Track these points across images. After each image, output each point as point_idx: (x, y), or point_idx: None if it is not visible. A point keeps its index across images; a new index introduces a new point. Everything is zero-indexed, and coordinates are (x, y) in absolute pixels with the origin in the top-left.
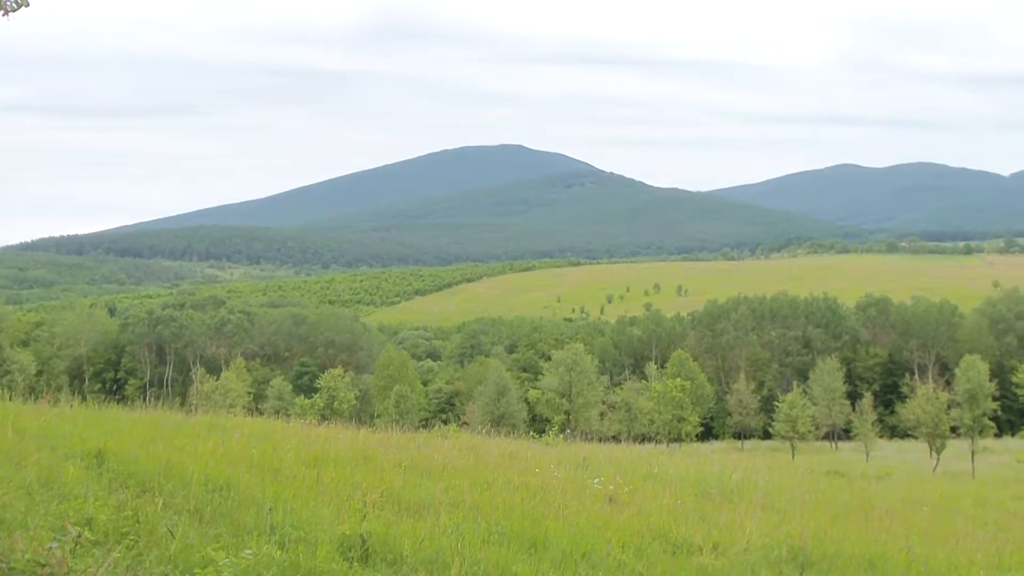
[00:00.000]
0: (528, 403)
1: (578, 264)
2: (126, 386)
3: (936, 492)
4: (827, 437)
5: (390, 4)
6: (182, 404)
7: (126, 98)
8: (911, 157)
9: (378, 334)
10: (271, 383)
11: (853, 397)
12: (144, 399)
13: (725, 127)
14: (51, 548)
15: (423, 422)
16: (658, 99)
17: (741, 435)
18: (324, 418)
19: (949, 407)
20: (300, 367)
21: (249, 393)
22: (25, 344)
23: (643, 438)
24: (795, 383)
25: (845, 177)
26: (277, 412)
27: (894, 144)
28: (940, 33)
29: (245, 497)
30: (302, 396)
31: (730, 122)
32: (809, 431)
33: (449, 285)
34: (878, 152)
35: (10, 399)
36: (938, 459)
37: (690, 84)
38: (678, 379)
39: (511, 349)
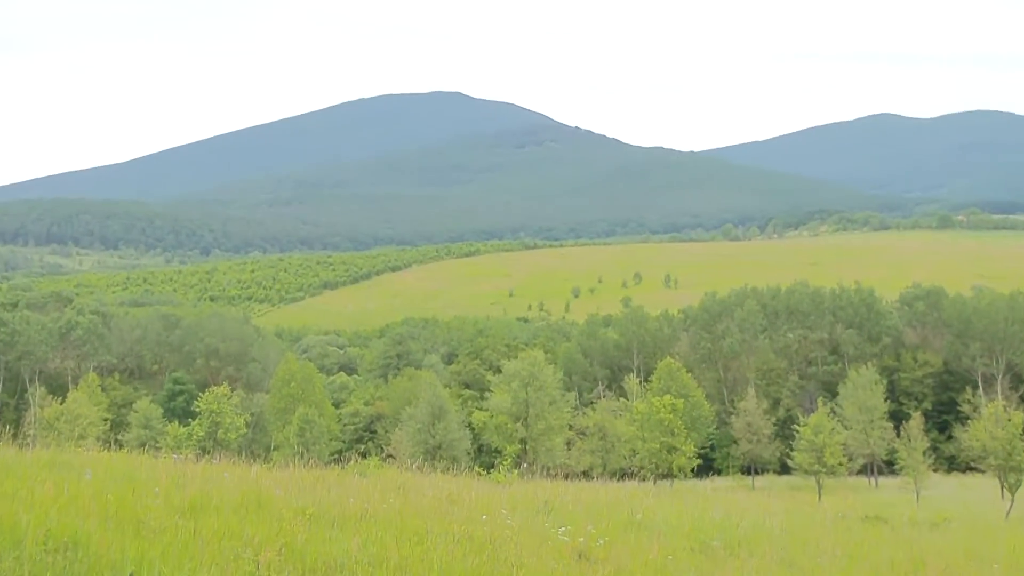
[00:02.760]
0: (472, 429)
1: (535, 247)
2: None
3: (1010, 544)
4: (864, 471)
5: None
6: (15, 435)
7: None
8: (971, 104)
9: (275, 341)
10: (135, 406)
11: (897, 418)
12: None
13: (724, 67)
14: None
15: (335, 455)
16: (637, 32)
17: (751, 469)
18: (205, 451)
19: None
20: (173, 385)
21: (105, 420)
22: None
23: (622, 474)
24: (820, 400)
25: (884, 131)
26: (143, 444)
27: (949, 87)
28: None
29: (98, 558)
30: (175, 423)
31: (731, 61)
32: (840, 463)
33: (368, 276)
34: (928, 98)
35: None
36: (1012, 500)
37: (677, 11)
38: (667, 396)
39: (449, 359)
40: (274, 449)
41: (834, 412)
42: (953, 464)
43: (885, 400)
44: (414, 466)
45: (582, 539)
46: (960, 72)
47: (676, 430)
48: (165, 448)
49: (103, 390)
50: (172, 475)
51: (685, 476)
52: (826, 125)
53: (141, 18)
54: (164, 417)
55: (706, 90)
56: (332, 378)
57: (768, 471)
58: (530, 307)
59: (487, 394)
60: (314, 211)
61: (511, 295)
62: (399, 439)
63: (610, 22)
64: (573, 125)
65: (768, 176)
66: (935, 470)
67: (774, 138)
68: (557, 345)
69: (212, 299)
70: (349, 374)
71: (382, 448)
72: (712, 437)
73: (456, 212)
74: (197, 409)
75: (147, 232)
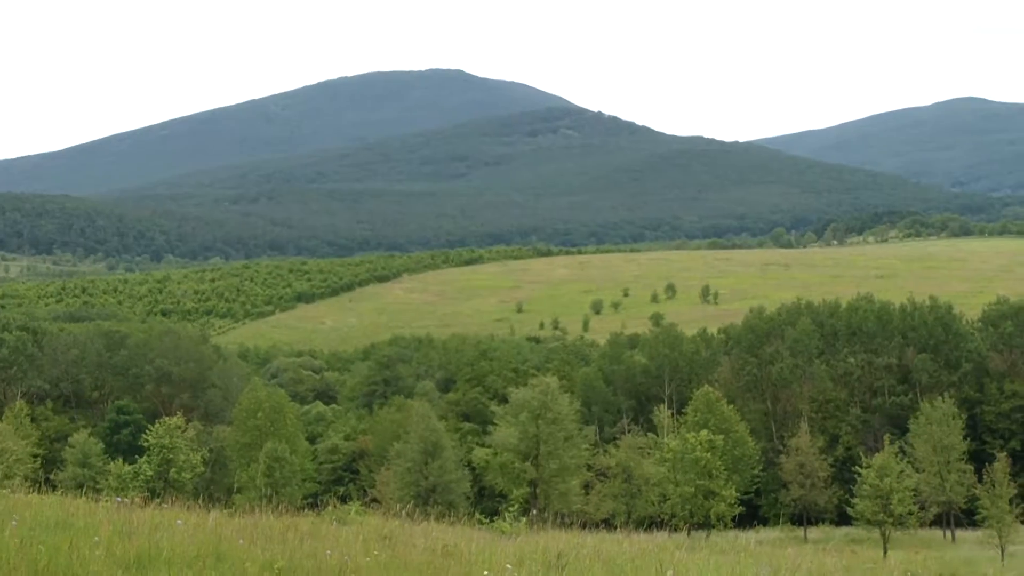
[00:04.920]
0: (473, 469)
1: (549, 254)
2: None
3: None
4: (938, 522)
5: None
6: None
7: None
8: None
9: (239, 363)
10: (71, 440)
11: (979, 460)
12: None
13: (774, 42)
14: None
15: (310, 499)
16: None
17: (803, 518)
18: (154, 494)
19: None
20: (117, 415)
21: (35, 456)
22: None
23: (650, 523)
24: (887, 438)
25: (966, 118)
26: (80, 485)
27: None
28: None
29: None
30: (119, 460)
31: (782, 35)
32: (909, 513)
33: (349, 287)
34: (1020, 80)
35: None
36: None
37: None
38: (704, 432)
39: (446, 385)
40: (237, 491)
41: (903, 452)
42: None
43: (965, 438)
44: (403, 512)
45: None
46: None
47: (715, 472)
48: (107, 490)
49: (33, 420)
50: (115, 522)
51: (725, 526)
52: (897, 111)
53: None
54: (106, 453)
55: (752, 70)
56: (307, 408)
57: (824, 521)
58: (542, 325)
59: (490, 428)
60: (286, 210)
61: (520, 311)
62: (385, 480)
63: None
64: (595, 110)
65: (827, 171)
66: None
67: (834, 126)
68: (574, 370)
69: (164, 313)
70: (327, 403)
71: (365, 491)
72: (757, 480)
73: (455, 212)
74: (145, 444)
75: (87, 233)
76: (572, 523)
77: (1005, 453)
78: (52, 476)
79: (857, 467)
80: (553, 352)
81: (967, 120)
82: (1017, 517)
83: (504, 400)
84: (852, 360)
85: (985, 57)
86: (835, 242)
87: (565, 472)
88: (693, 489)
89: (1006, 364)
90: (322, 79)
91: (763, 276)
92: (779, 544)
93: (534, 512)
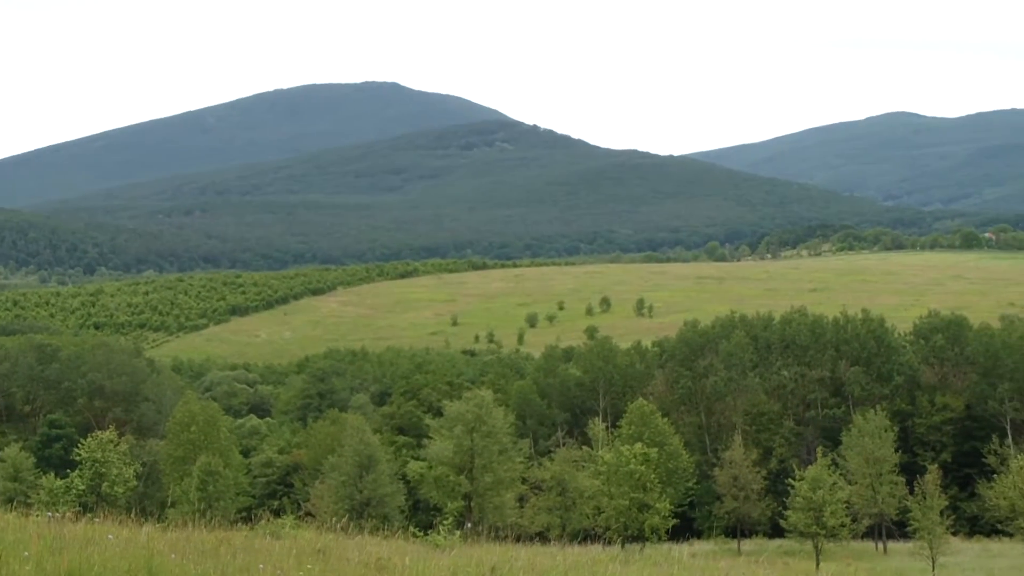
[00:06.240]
0: (407, 482)
1: (484, 267)
2: None
3: None
4: (870, 534)
5: None
6: None
7: None
8: (1001, 102)
9: (173, 376)
10: (2, 454)
11: (911, 472)
12: None
13: (708, 57)
14: None
15: (244, 513)
16: (605, 15)
17: (737, 531)
18: (86, 508)
19: None
20: (49, 428)
21: None
22: None
23: (585, 536)
24: (820, 450)
25: (898, 133)
26: (10, 500)
27: (975, 82)
28: None
29: None
30: (51, 474)
31: (716, 50)
32: (842, 525)
33: (284, 300)
34: (951, 95)
35: None
36: None
37: None
38: (639, 444)
39: (381, 399)
40: (170, 506)
41: (836, 464)
42: (976, 526)
43: (896, 450)
44: (337, 526)
45: None
46: (988, 64)
47: (649, 484)
48: (38, 504)
49: None
50: (46, 537)
51: (659, 538)
52: (830, 125)
53: None
54: (37, 467)
55: (687, 84)
56: (241, 421)
57: (757, 533)
58: (477, 338)
59: (425, 441)
60: (220, 222)
61: (455, 324)
62: (320, 494)
63: (575, 2)
64: (531, 123)
65: (761, 185)
66: (954, 533)
67: (768, 140)
68: (509, 383)
69: (97, 327)
70: (261, 416)
71: (299, 505)
72: (692, 493)
73: (390, 224)
74: (77, 458)
75: (18, 245)
76: (506, 536)
77: (936, 465)
78: None
79: (790, 479)
80: (488, 365)
81: (899, 134)
82: (947, 529)
83: (439, 413)
84: (785, 373)
85: (917, 73)
86: (769, 256)
87: (500, 485)
88: (627, 502)
89: (937, 377)
90: (257, 91)
91: (697, 289)
92: (713, 557)
93: (468, 525)
